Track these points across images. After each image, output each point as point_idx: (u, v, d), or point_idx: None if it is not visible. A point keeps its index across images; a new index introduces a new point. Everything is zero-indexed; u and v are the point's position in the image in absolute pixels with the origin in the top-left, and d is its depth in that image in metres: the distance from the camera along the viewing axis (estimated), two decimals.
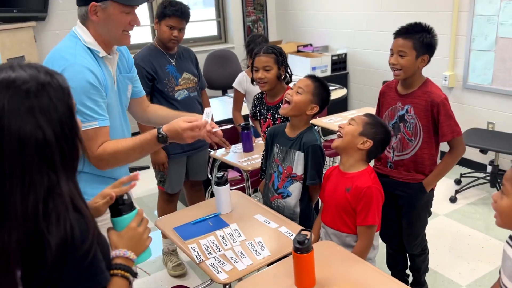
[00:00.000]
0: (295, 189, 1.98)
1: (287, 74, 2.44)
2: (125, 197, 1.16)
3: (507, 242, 1.29)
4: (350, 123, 1.78)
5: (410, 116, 2.05)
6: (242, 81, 3.06)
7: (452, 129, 1.99)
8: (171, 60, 2.61)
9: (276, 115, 2.40)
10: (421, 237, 2.27)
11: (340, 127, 1.80)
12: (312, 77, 1.97)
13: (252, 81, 2.54)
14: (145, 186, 3.95)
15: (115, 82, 1.70)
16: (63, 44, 1.60)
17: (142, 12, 5.12)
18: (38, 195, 0.87)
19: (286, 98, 1.94)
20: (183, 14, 2.52)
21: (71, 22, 5.10)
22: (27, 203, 0.86)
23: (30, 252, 0.87)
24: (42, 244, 0.86)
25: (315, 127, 2.08)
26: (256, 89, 2.91)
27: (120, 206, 1.14)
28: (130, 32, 1.64)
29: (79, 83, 1.46)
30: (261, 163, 2.40)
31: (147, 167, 4.48)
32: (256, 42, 3.00)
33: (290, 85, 2.30)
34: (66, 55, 1.52)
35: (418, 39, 1.95)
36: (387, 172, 2.16)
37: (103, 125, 1.55)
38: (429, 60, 2.02)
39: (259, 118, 2.56)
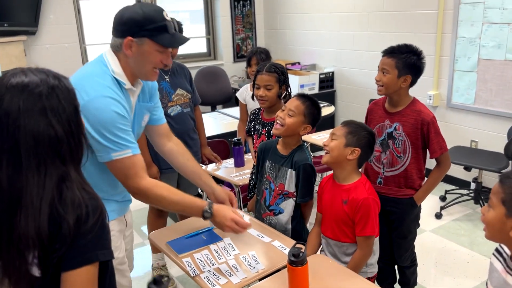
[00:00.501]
0: (288, 206, 2.00)
1: (287, 93, 2.48)
2: (164, 278, 1.30)
3: (493, 254, 1.34)
4: (332, 138, 1.82)
5: (398, 133, 2.11)
6: (242, 92, 3.15)
7: (440, 146, 2.08)
8: (165, 76, 2.64)
9: (272, 131, 2.44)
10: (411, 249, 2.33)
11: (325, 144, 1.84)
12: (301, 97, 1.99)
13: (253, 96, 2.59)
14: (133, 201, 3.94)
15: (133, 111, 1.70)
16: (92, 70, 1.58)
17: None
18: (52, 184, 0.98)
19: (278, 121, 1.97)
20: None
21: (62, 37, 5.15)
22: (43, 192, 0.97)
23: (47, 234, 0.96)
24: (58, 224, 0.97)
25: (305, 143, 2.13)
26: (253, 103, 2.97)
27: (156, 285, 1.27)
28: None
29: (109, 114, 1.49)
30: (250, 181, 2.43)
31: None
32: (253, 52, 3.06)
33: None
34: (95, 85, 1.52)
35: (402, 59, 2.02)
36: (377, 188, 2.18)
37: (136, 153, 1.58)
38: (413, 81, 2.08)
39: (253, 134, 2.60)
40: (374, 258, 1.87)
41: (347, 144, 1.78)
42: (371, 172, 2.25)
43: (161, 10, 1.57)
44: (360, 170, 1.92)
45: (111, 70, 1.57)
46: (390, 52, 2.07)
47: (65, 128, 1.00)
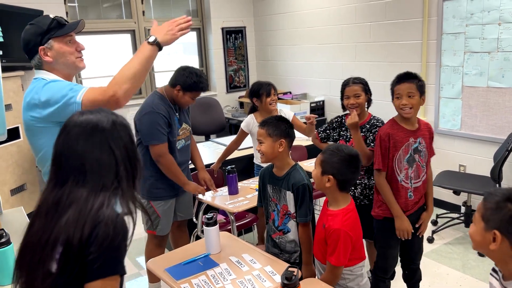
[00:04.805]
0: (292, 226, 2.10)
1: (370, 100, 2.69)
2: None
3: (490, 273, 1.41)
4: (315, 167, 1.90)
5: (422, 146, 2.36)
6: (249, 123, 3.25)
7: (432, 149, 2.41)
8: (176, 113, 2.74)
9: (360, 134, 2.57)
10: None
11: (312, 172, 1.93)
12: (261, 125, 2.12)
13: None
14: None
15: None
16: (34, 86, 1.75)
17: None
18: (105, 197, 1.14)
19: (258, 150, 2.11)
20: (206, 88, 2.75)
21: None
22: (94, 203, 1.12)
23: (87, 239, 1.08)
24: (98, 230, 1.09)
25: (298, 164, 2.21)
26: None
27: None
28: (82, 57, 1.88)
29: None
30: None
31: None
32: (268, 84, 3.20)
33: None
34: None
35: (417, 83, 2.27)
36: (410, 205, 2.37)
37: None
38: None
39: (337, 139, 2.75)
40: (363, 282, 1.92)
41: (323, 172, 1.84)
42: (402, 190, 2.33)
43: (46, 15, 1.78)
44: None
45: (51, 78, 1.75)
46: (409, 78, 2.28)
47: (122, 153, 1.20)
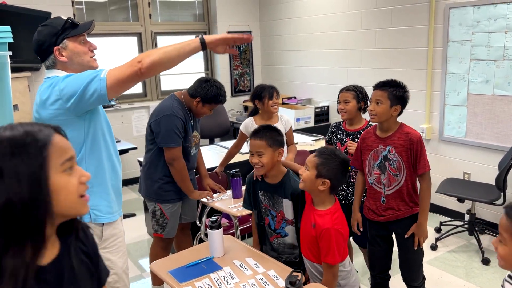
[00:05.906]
0: (290, 230, 2.10)
1: (366, 107, 2.77)
2: None
3: (507, 280, 1.37)
4: (306, 168, 1.91)
5: (392, 155, 2.31)
6: (248, 125, 3.25)
7: (425, 163, 2.28)
8: (191, 119, 2.76)
9: (356, 139, 2.68)
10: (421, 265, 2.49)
11: (300, 173, 1.94)
12: (257, 136, 2.09)
13: None
14: (130, 234, 3.96)
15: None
16: (50, 82, 1.75)
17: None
18: None
19: (256, 165, 2.07)
20: (225, 101, 2.81)
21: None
22: None
23: None
24: None
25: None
26: None
27: None
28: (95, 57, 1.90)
29: None
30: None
31: (133, 215, 4.51)
32: (271, 87, 3.21)
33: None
34: None
35: (392, 92, 2.26)
36: (381, 209, 2.37)
37: None
38: (401, 111, 2.30)
39: (335, 142, 2.86)
40: (353, 278, 1.94)
41: (318, 175, 1.86)
42: (374, 193, 2.39)
43: (59, 17, 1.82)
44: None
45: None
46: (381, 86, 2.30)
47: (16, 192, 0.82)
